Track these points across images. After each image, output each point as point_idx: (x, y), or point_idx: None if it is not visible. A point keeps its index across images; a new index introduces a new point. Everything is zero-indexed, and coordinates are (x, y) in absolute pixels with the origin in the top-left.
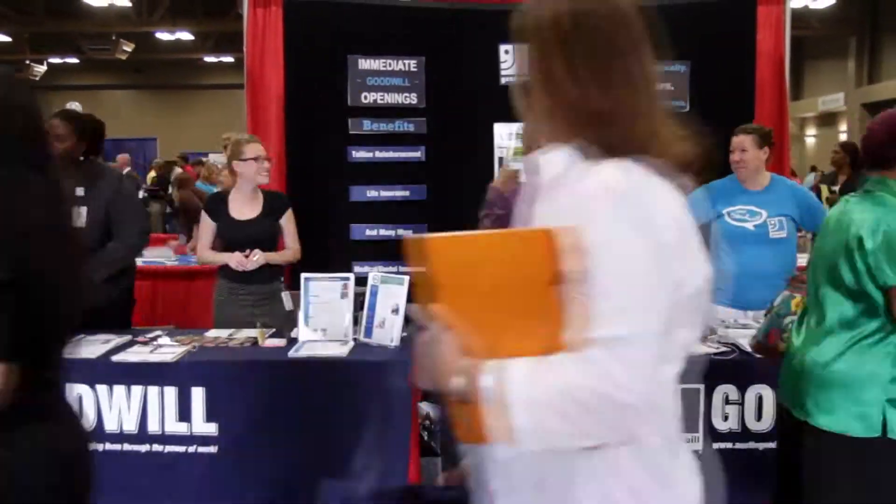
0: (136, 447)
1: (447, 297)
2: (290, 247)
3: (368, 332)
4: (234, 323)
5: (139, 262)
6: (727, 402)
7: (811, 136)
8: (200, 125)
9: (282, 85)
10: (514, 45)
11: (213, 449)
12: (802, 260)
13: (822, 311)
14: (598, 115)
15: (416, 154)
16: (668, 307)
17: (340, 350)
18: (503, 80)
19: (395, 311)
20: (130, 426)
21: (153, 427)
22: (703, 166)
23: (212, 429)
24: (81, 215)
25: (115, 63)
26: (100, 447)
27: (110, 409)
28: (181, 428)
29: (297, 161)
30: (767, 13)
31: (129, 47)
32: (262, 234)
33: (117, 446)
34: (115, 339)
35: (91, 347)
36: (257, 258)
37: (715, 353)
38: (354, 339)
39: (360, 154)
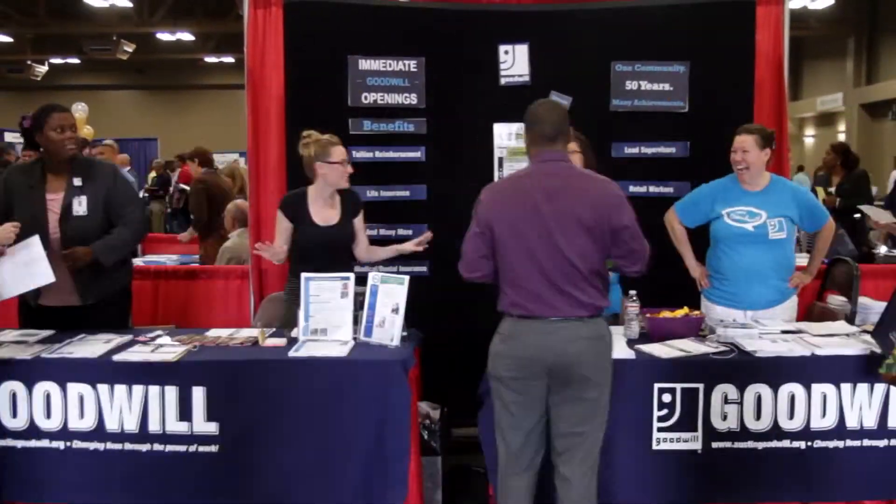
0: (137, 446)
1: None
2: (362, 241)
3: (368, 332)
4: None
5: (139, 261)
6: (726, 401)
7: (810, 136)
8: (201, 125)
9: (282, 85)
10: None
11: (213, 448)
12: (801, 260)
13: None
14: None
15: (416, 154)
16: None
17: (340, 349)
18: (503, 81)
19: (395, 310)
20: (131, 425)
21: (154, 426)
22: (703, 166)
23: (212, 428)
24: (82, 203)
25: (117, 63)
26: (101, 446)
27: (111, 408)
28: (182, 427)
29: (297, 161)
30: (766, 13)
31: (130, 48)
32: (341, 240)
33: (118, 445)
34: (116, 339)
35: (92, 347)
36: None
37: (714, 353)
38: (354, 339)
39: (360, 154)
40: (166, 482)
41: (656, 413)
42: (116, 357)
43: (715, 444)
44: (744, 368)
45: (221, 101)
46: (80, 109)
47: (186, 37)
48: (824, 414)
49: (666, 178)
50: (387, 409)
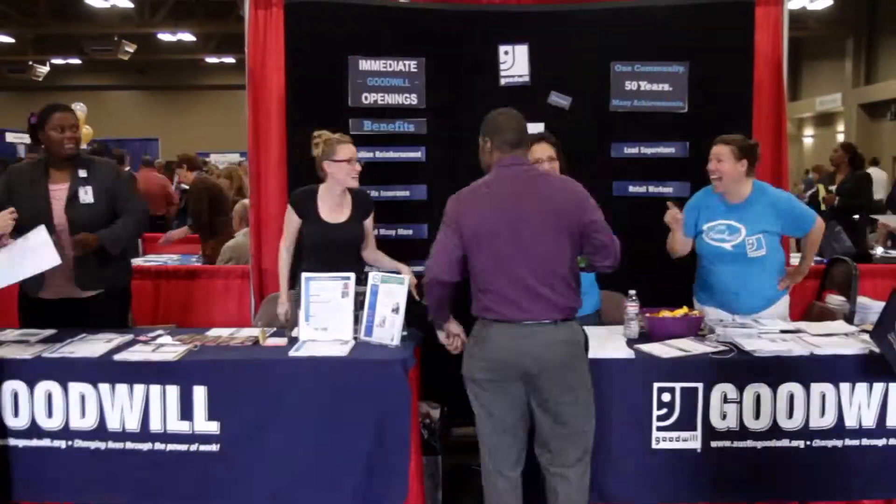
0: (138, 445)
1: None
2: (370, 244)
3: (369, 331)
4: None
5: (141, 261)
6: (725, 400)
7: (809, 136)
8: (202, 126)
9: (283, 86)
10: (513, 46)
11: (214, 447)
12: (796, 259)
13: None
14: None
15: (417, 154)
16: None
17: (341, 349)
18: (503, 81)
19: (396, 310)
20: (132, 425)
21: (155, 426)
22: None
23: (213, 427)
24: (88, 193)
25: (118, 64)
26: (102, 446)
27: (112, 407)
28: (183, 426)
29: (298, 161)
30: (765, 14)
31: (131, 48)
32: (350, 239)
33: (119, 445)
34: (118, 339)
35: (93, 346)
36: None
37: (713, 353)
38: (355, 339)
39: (360, 154)
40: (167, 481)
41: (656, 412)
42: (118, 356)
43: (714, 444)
44: (743, 368)
45: (222, 102)
46: (78, 109)
47: (187, 37)
48: (823, 413)
49: (665, 178)
50: (387, 408)
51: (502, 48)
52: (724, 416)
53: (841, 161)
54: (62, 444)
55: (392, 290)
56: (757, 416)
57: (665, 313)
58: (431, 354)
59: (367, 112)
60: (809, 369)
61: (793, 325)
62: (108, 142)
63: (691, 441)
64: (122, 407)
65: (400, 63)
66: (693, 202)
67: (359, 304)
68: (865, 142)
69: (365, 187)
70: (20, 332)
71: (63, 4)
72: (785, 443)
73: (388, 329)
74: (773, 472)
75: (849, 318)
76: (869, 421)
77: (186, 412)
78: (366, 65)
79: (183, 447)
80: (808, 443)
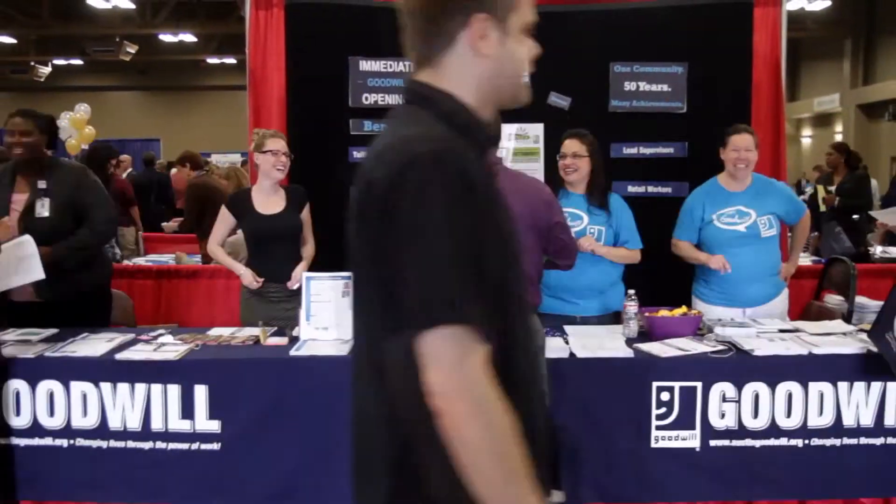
0: (139, 444)
1: None
2: (309, 241)
3: None
4: (265, 319)
5: (142, 261)
6: (724, 399)
7: (807, 136)
8: (203, 126)
9: (284, 86)
10: None
11: (215, 446)
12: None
13: None
14: None
15: None
16: None
17: (342, 348)
18: None
19: None
20: (134, 424)
21: (156, 424)
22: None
23: (214, 426)
24: (45, 206)
25: (119, 65)
26: (103, 444)
27: (114, 406)
28: (184, 425)
29: (298, 161)
30: (764, 15)
31: (132, 49)
32: (287, 228)
33: (121, 443)
34: (119, 338)
35: (95, 345)
36: (297, 286)
37: (712, 352)
38: None
39: (361, 155)
40: (168, 480)
41: (654, 411)
42: (119, 356)
43: (713, 442)
44: (741, 367)
45: (223, 102)
46: (81, 111)
47: (189, 38)
48: (821, 412)
49: (664, 178)
50: None
51: None
52: (722, 415)
53: (837, 162)
54: (64, 442)
55: None
56: (755, 415)
57: (664, 312)
58: None
59: (368, 112)
60: (808, 368)
61: (791, 325)
62: (111, 142)
63: (690, 440)
64: (124, 406)
65: (400, 64)
66: (691, 200)
67: None
68: (863, 142)
69: None
70: (22, 331)
71: (65, 5)
72: (783, 442)
73: None
74: (772, 470)
75: (847, 318)
76: (867, 420)
77: (187, 411)
78: (366, 65)
79: (184, 446)
80: (807, 442)
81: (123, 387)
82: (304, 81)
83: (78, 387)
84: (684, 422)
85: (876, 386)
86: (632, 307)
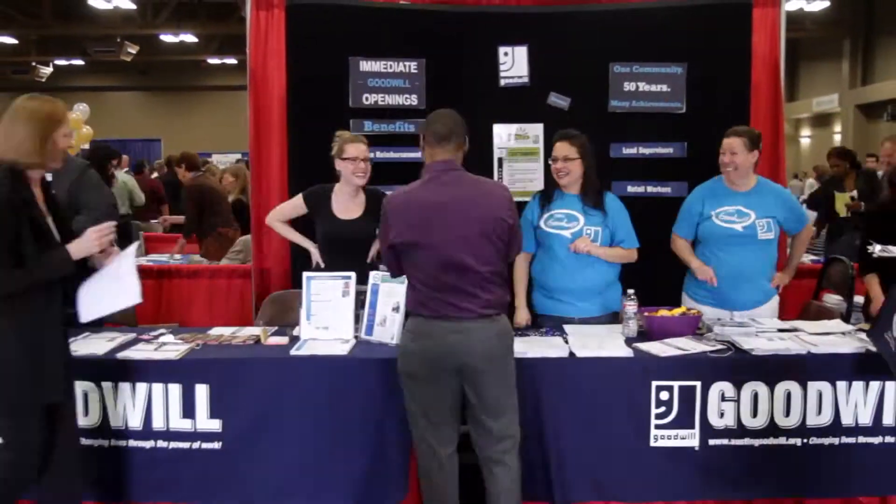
0: (140, 443)
1: None
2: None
3: (369, 330)
4: None
5: (144, 261)
6: (723, 398)
7: (806, 136)
8: (204, 126)
9: (284, 86)
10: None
11: (216, 445)
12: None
13: None
14: None
15: (417, 155)
16: None
17: (342, 348)
18: (502, 82)
19: (396, 309)
20: (135, 423)
21: (158, 423)
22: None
23: (215, 425)
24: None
25: (120, 65)
26: (105, 443)
27: (115, 405)
28: (185, 424)
29: (299, 161)
30: (763, 15)
31: (133, 49)
32: (361, 236)
33: (122, 443)
34: (120, 337)
35: (96, 345)
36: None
37: (711, 351)
38: (356, 337)
39: None
40: (169, 479)
41: (654, 410)
42: (120, 355)
43: (712, 441)
44: (740, 366)
45: (224, 103)
46: (79, 110)
47: (189, 38)
48: (820, 411)
49: (663, 178)
50: (387, 406)
51: (502, 49)
52: (721, 415)
53: (844, 170)
54: None
55: (393, 289)
56: (754, 414)
57: (663, 312)
58: None
59: (368, 113)
60: (806, 368)
61: (790, 324)
62: (112, 142)
63: (689, 439)
64: (125, 405)
65: (400, 64)
66: (693, 195)
67: (360, 303)
68: (862, 142)
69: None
70: None
71: (66, 6)
72: (782, 441)
73: (389, 328)
74: (771, 469)
75: (846, 318)
76: (865, 419)
77: (188, 410)
78: (366, 66)
79: (185, 445)
80: (805, 441)
81: (125, 386)
82: (304, 82)
83: (79, 386)
84: (683, 421)
85: (874, 385)
86: (631, 307)
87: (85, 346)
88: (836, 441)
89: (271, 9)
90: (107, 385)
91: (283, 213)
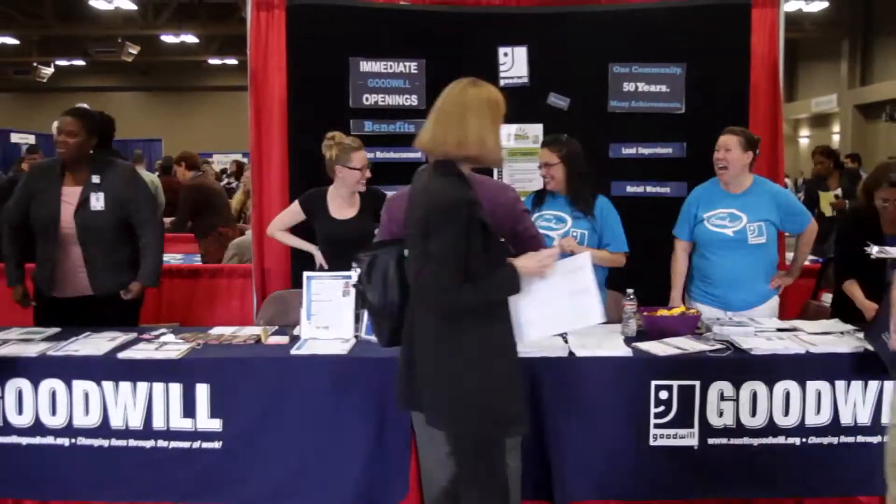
0: (141, 443)
1: None
2: None
3: (369, 330)
4: None
5: None
6: (722, 398)
7: (804, 136)
8: (205, 126)
9: (285, 87)
10: (512, 48)
11: (217, 444)
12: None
13: None
14: None
15: (417, 155)
16: None
17: (342, 347)
18: (502, 82)
19: None
20: (136, 422)
21: (158, 423)
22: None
23: (216, 425)
24: (100, 199)
25: (121, 65)
26: (105, 443)
27: (116, 405)
28: (186, 424)
29: (299, 162)
30: (762, 16)
31: (134, 50)
32: (360, 233)
33: (122, 442)
34: (121, 337)
35: (97, 344)
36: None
37: (710, 351)
38: (356, 337)
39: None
40: (170, 478)
41: (653, 410)
42: (121, 354)
43: (711, 441)
44: (739, 366)
45: (225, 103)
46: None
47: (190, 39)
48: (819, 411)
49: (663, 178)
50: (387, 406)
51: (502, 50)
52: (720, 414)
53: (828, 168)
54: (66, 441)
55: None
56: (753, 413)
57: (662, 312)
58: None
59: (368, 113)
60: (805, 367)
61: (788, 324)
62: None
63: (688, 438)
64: (126, 405)
65: (400, 64)
66: (693, 195)
67: (360, 303)
68: (861, 143)
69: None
70: (25, 330)
71: (67, 6)
72: (781, 440)
73: None
74: (769, 468)
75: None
76: (864, 418)
77: (189, 410)
78: (366, 66)
79: (185, 444)
80: (804, 440)
81: (125, 386)
82: (304, 82)
83: (80, 386)
84: (683, 420)
85: (873, 385)
86: (631, 306)
87: (86, 345)
88: (834, 440)
89: (272, 9)
90: (107, 385)
91: (283, 222)
